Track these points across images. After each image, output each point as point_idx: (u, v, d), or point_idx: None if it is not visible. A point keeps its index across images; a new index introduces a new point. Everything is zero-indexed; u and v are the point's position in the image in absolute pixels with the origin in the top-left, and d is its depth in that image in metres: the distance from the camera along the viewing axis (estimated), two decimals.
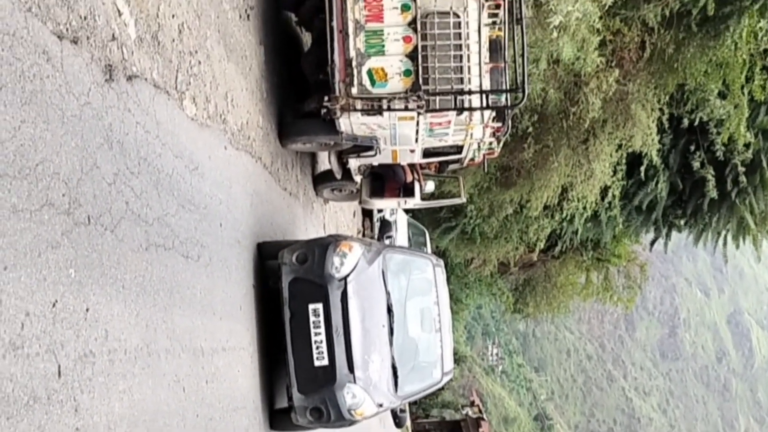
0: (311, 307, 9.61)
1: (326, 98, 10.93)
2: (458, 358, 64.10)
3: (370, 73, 10.86)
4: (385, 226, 11.81)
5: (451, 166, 15.42)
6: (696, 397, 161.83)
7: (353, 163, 14.04)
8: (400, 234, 22.37)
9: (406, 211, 21.61)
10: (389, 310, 10.31)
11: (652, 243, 30.87)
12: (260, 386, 9.83)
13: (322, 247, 9.93)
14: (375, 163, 13.92)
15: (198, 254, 7.66)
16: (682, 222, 27.98)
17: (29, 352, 4.50)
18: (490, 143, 13.27)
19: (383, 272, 10.36)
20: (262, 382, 9.95)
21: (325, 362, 9.58)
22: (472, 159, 13.93)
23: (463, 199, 18.71)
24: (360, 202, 16.53)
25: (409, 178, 15.74)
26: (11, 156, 4.47)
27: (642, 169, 23.48)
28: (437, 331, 11.35)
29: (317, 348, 9.56)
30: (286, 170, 12.62)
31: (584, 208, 22.77)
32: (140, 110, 6.41)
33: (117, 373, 5.56)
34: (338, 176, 14.27)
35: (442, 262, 12.12)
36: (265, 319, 10.12)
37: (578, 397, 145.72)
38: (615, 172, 21.92)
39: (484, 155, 13.95)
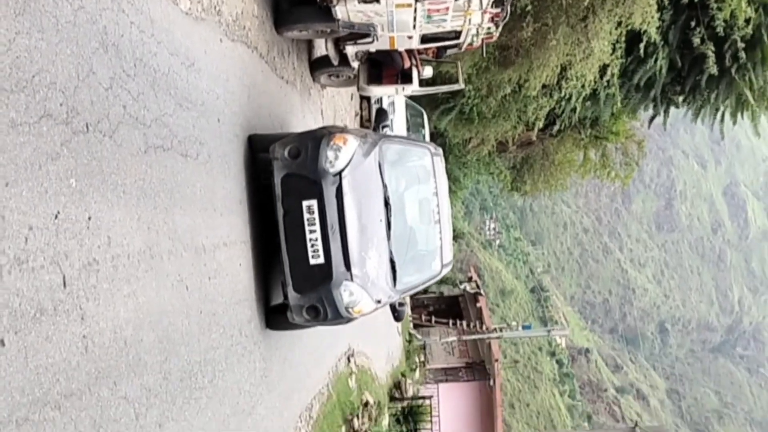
0: (305, 203, 9.27)
1: None
2: (456, 234, 64.90)
3: None
4: (381, 114, 11.50)
5: (450, 51, 15.23)
6: (691, 267, 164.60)
7: (350, 50, 13.82)
8: (398, 117, 22.19)
9: None
10: (386, 204, 9.97)
11: (651, 120, 30.77)
12: (255, 284, 9.76)
13: (316, 140, 9.45)
14: (372, 50, 13.73)
15: (197, 152, 7.66)
16: (681, 99, 27.85)
17: (34, 266, 4.57)
18: (489, 28, 13.06)
19: (380, 164, 9.98)
20: (258, 281, 9.88)
21: (321, 260, 9.34)
22: (471, 44, 13.75)
23: (461, 85, 18.55)
24: (358, 89, 16.38)
25: (407, 64, 15.53)
26: (7, 69, 4.45)
27: (641, 46, 23.31)
28: (436, 223, 11.12)
29: (312, 246, 9.31)
30: (283, 58, 12.47)
31: (583, 86, 22.60)
32: (134, 10, 6.31)
33: (121, 278, 5.65)
34: (335, 63, 14.10)
35: (440, 151, 11.84)
36: (262, 214, 9.95)
37: (574, 269, 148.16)
38: (614, 50, 21.70)
39: (482, 40, 13.76)
